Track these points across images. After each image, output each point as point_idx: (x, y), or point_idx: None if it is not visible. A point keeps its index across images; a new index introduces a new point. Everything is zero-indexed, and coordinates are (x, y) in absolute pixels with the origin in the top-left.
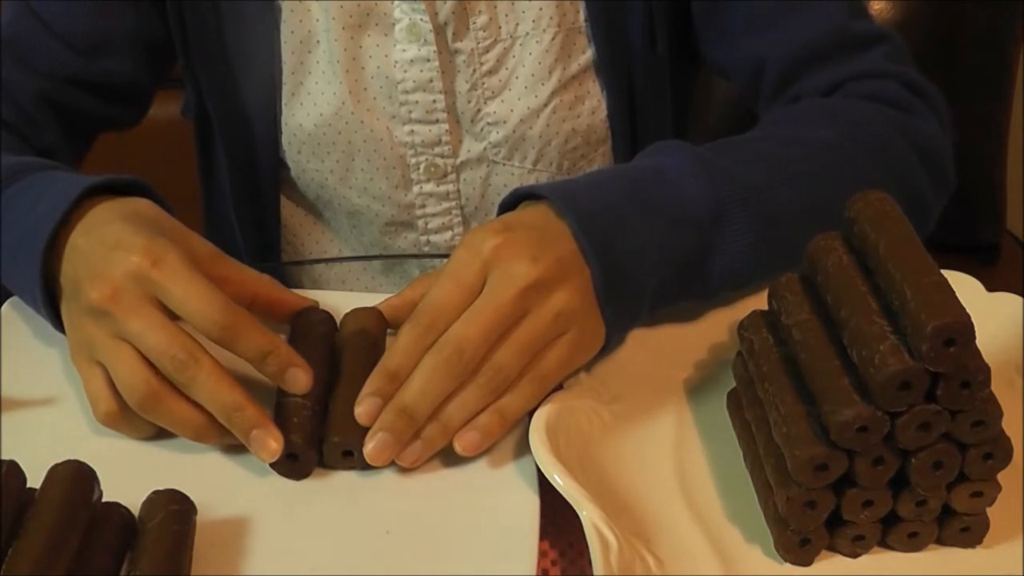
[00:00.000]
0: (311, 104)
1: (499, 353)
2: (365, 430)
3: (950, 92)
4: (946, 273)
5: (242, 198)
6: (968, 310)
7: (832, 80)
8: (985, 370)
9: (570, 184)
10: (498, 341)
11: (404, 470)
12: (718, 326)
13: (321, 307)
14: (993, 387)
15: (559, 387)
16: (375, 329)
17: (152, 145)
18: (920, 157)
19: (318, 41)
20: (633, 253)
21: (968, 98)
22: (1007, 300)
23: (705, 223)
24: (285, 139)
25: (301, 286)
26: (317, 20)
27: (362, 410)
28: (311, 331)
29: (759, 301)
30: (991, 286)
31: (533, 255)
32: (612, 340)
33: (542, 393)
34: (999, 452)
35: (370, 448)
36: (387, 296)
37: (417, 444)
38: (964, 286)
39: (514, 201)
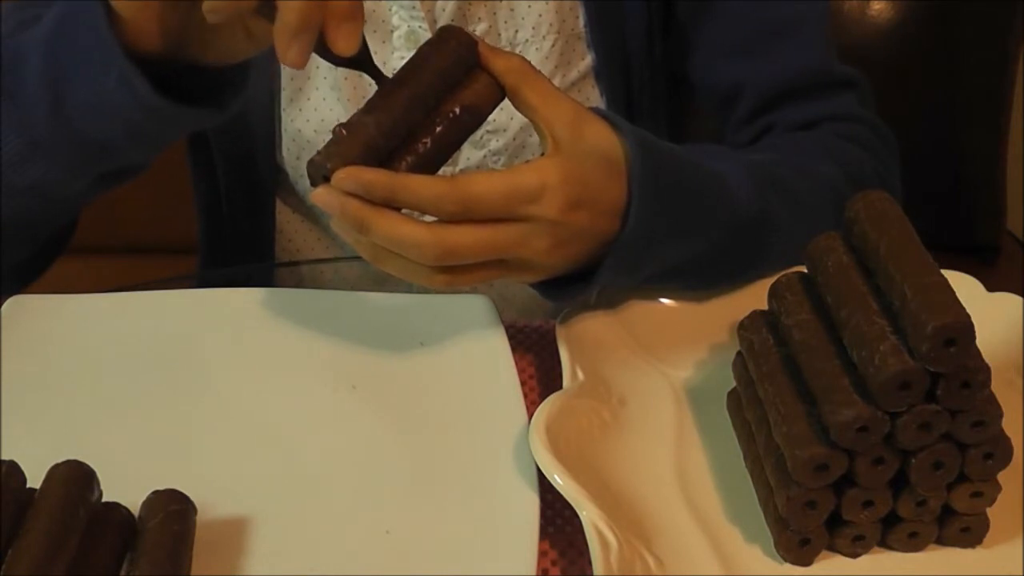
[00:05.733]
0: (311, 110)
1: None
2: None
3: (950, 91)
4: (946, 273)
5: (237, 201)
6: (968, 310)
7: (810, 116)
8: (985, 370)
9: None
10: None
11: (404, 469)
12: (718, 326)
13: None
14: (993, 387)
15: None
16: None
17: None
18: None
19: None
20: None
21: (968, 98)
22: (1007, 300)
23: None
24: (284, 144)
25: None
26: None
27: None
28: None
29: (759, 301)
30: (991, 286)
31: (561, 254)
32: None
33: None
34: (999, 452)
35: (319, 197)
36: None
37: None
38: (964, 286)
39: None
